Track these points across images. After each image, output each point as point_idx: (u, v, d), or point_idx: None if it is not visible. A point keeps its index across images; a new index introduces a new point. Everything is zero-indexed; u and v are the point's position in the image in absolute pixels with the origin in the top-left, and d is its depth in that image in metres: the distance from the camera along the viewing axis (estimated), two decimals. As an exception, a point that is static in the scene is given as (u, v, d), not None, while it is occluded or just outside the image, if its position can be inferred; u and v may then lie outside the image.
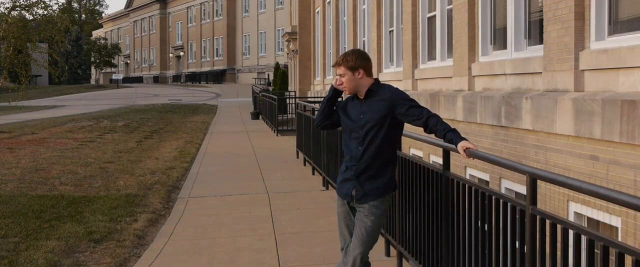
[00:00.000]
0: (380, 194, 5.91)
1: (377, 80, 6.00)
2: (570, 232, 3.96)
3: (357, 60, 5.86)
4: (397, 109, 5.81)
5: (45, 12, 34.05)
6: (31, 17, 34.08)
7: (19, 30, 31.72)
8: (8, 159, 19.05)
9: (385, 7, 18.17)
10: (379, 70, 18.37)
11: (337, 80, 5.94)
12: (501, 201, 4.91)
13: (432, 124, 5.70)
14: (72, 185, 14.41)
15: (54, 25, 33.20)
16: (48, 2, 33.16)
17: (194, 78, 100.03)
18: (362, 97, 5.96)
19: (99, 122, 34.11)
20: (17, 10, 32.53)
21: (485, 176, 10.02)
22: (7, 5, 32.16)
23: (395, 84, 16.42)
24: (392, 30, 17.64)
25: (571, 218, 7.44)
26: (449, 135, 5.60)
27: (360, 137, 5.87)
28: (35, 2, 32.85)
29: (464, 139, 5.54)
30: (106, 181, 14.97)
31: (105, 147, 22.27)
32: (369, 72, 5.93)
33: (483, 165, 9.84)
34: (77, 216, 11.26)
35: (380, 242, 8.38)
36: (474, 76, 11.21)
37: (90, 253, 8.99)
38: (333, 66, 6.01)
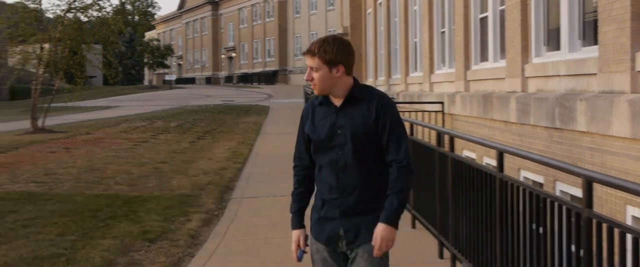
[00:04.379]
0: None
1: (356, 80, 4.55)
2: (628, 237, 3.92)
3: (338, 53, 4.38)
4: (379, 124, 4.40)
5: (100, 14, 34.51)
6: (86, 19, 34.58)
7: (74, 32, 32.21)
8: (65, 158, 19.34)
9: (437, 8, 18.12)
10: (431, 71, 18.32)
11: (307, 74, 4.50)
12: (556, 203, 4.86)
13: (394, 176, 4.38)
14: (126, 185, 14.59)
15: (107, 27, 33.63)
16: (102, 4, 33.60)
17: (246, 79, 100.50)
18: (337, 103, 4.48)
19: (153, 122, 34.45)
20: (72, 12, 33.02)
21: (539, 178, 9.95)
22: (63, 7, 32.62)
23: (447, 86, 16.47)
24: (444, 31, 17.58)
25: (629, 222, 7.36)
26: (392, 207, 4.35)
27: (341, 160, 4.43)
28: (90, 4, 33.32)
29: (392, 226, 4.34)
30: (160, 181, 15.13)
31: (158, 147, 22.50)
32: (349, 70, 4.47)
33: (537, 167, 9.77)
34: (132, 215, 11.41)
35: (433, 244, 8.38)
36: (527, 77, 11.14)
37: (145, 252, 9.11)
38: (303, 54, 4.59)
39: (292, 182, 4.77)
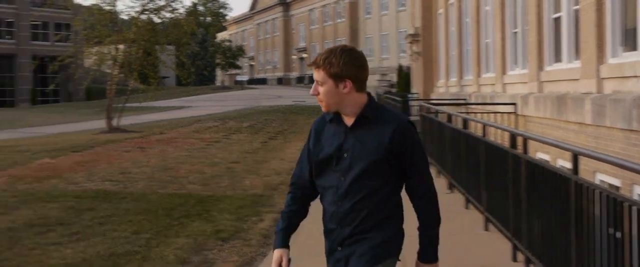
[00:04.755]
0: (376, 257, 3.96)
1: (371, 98, 4.04)
2: None
3: (345, 67, 3.89)
4: (396, 151, 3.94)
5: (172, 16, 35.05)
6: (159, 21, 35.15)
7: (147, 33, 32.83)
8: (139, 158, 19.67)
9: (509, 8, 17.93)
10: (503, 72, 18.14)
11: (313, 88, 4.01)
12: (634, 207, 4.78)
13: (427, 211, 4.09)
14: (199, 184, 14.78)
15: (180, 28, 34.15)
16: (175, 6, 34.13)
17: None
18: (348, 123, 4.00)
19: (225, 123, 34.80)
20: (145, 14, 33.62)
21: (616, 182, 9.77)
22: (137, 9, 33.23)
23: (520, 87, 16.28)
24: (517, 32, 17.39)
25: None
26: (426, 242, 4.11)
27: (342, 187, 3.96)
28: (163, 5, 33.87)
29: (437, 263, 4.13)
30: (232, 180, 15.29)
31: (231, 147, 22.73)
32: (360, 86, 3.96)
33: (614, 170, 9.60)
34: (205, 214, 11.56)
35: (506, 246, 8.30)
36: (602, 78, 10.96)
37: (218, 251, 9.22)
38: (309, 65, 4.13)
39: (285, 200, 4.29)
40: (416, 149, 3.98)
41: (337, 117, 4.01)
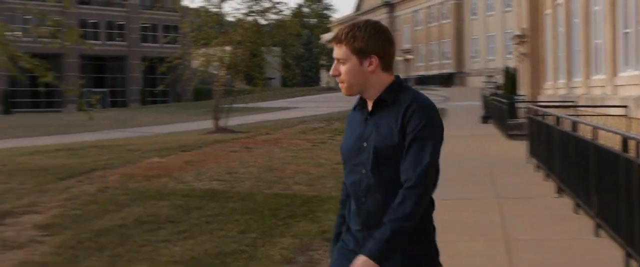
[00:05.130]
0: None
1: (397, 79, 3.60)
2: None
3: (371, 40, 3.45)
4: (406, 133, 3.42)
5: (278, 17, 35.38)
6: (265, 22, 35.52)
7: (253, 34, 33.19)
8: (245, 158, 19.90)
9: (620, 8, 17.50)
10: (614, 73, 17.71)
11: (333, 68, 3.63)
12: None
13: (398, 200, 3.41)
14: (305, 184, 14.85)
15: (285, 29, 34.46)
16: (280, 8, 34.46)
17: (423, 81, 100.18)
18: (369, 107, 3.58)
19: (330, 123, 34.92)
20: (251, 15, 34.02)
21: None
22: (243, 11, 33.69)
23: (632, 89, 15.88)
24: (628, 32, 16.96)
25: None
26: (382, 232, 3.39)
27: (363, 180, 3.53)
28: (269, 7, 34.20)
29: (372, 259, 3.34)
30: (338, 181, 15.30)
31: (336, 148, 22.73)
32: (387, 64, 3.55)
33: None
34: (311, 215, 11.60)
35: (618, 253, 8.08)
36: None
37: (324, 251, 9.25)
38: (329, 42, 3.77)
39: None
40: (421, 128, 3.39)
41: (361, 103, 3.61)
